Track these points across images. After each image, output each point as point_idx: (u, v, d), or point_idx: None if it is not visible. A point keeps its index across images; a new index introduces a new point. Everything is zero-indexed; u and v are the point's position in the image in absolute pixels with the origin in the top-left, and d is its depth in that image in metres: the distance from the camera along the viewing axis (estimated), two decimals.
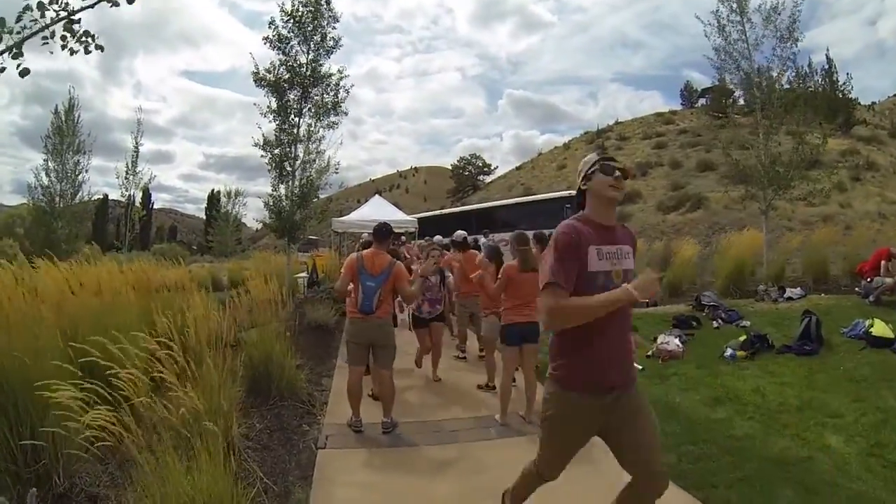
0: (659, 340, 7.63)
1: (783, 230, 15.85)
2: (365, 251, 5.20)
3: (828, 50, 11.25)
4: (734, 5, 12.71)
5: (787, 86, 12.83)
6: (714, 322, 8.88)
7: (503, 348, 5.52)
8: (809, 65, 12.27)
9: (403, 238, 19.34)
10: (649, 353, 7.52)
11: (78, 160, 20.12)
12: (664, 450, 4.67)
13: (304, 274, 15.07)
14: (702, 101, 67.62)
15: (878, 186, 32.81)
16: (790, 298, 10.05)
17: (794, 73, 12.85)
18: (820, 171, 12.96)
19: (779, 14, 12.20)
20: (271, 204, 13.26)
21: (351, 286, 5.05)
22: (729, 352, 7.12)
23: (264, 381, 5.39)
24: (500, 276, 5.55)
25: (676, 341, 7.54)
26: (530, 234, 5.67)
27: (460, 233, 8.67)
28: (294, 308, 10.41)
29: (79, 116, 20.11)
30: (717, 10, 12.86)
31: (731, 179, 13.45)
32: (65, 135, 19.63)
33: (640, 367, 6.95)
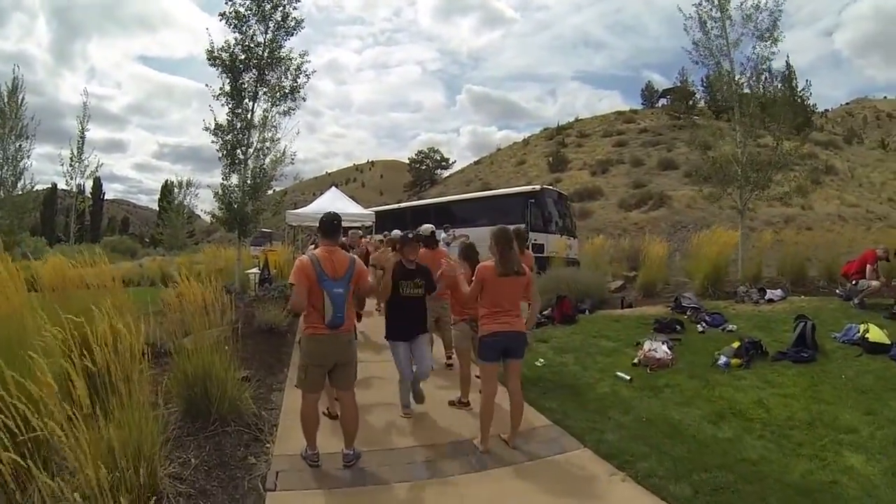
0: (646, 347, 7.01)
1: (747, 230, 15.58)
2: (318, 250, 4.32)
3: (788, 56, 11.40)
4: (716, 1, 12.47)
5: (746, 89, 12.69)
6: (698, 326, 8.34)
7: (481, 364, 4.75)
8: (769, 70, 11.97)
9: (360, 232, 18.47)
10: (635, 360, 6.92)
11: (20, 145, 18.50)
12: (674, 478, 4.12)
13: (255, 270, 14.11)
14: (662, 101, 68.36)
15: (836, 189, 33.61)
16: (771, 300, 9.61)
17: (768, 74, 12.55)
18: (787, 172, 12.69)
19: (760, 13, 12.01)
20: (221, 194, 12.26)
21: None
22: (723, 360, 6.56)
23: (202, 402, 4.49)
24: (473, 278, 4.77)
25: (664, 348, 6.94)
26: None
27: (427, 226, 7.75)
28: (242, 308, 9.52)
29: (23, 98, 18.47)
30: (700, 4, 12.61)
31: (704, 178, 13.03)
32: (7, 118, 18.04)
33: (628, 378, 6.37)
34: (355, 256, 4.41)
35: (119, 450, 2.93)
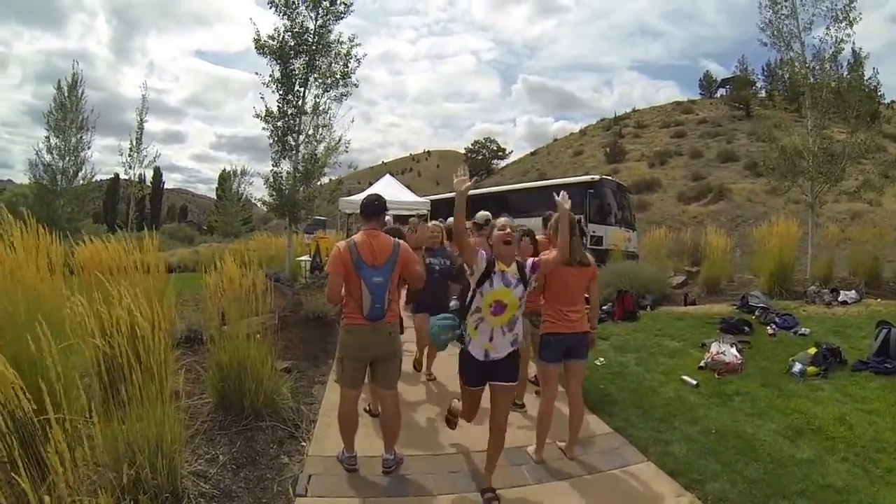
0: (713, 349, 6.47)
1: (804, 225, 14.70)
2: (357, 235, 3.92)
3: (853, 42, 10.46)
4: None
5: (814, 76, 11.77)
6: (768, 328, 7.70)
7: (540, 364, 4.34)
8: (841, 54, 11.07)
9: (415, 219, 18.15)
10: (702, 363, 6.38)
11: (81, 137, 19.13)
12: None
13: (307, 257, 14.04)
14: (721, 91, 65.99)
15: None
16: (844, 302, 8.88)
17: (839, 60, 11.63)
18: (858, 165, 11.77)
19: None
20: (272, 181, 12.15)
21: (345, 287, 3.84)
22: (798, 367, 5.97)
23: (235, 395, 4.25)
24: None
25: (734, 351, 6.40)
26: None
27: (483, 213, 7.32)
28: (291, 295, 9.36)
29: (82, 92, 19.14)
30: None
31: (771, 169, 12.22)
32: (68, 111, 18.70)
33: (695, 382, 5.86)
34: (400, 241, 4.00)
35: (136, 446, 2.69)
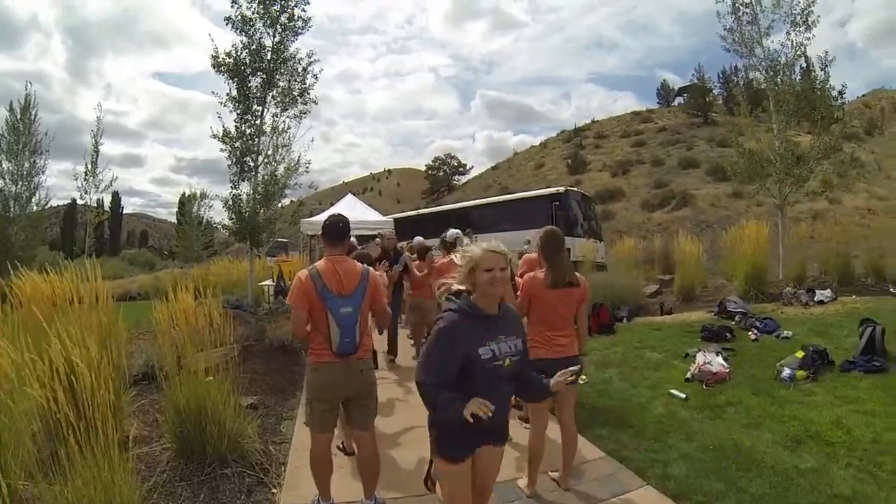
0: (699, 359, 6.28)
1: (774, 227, 14.84)
2: (320, 262, 3.51)
3: (805, 47, 10.68)
4: None
5: (768, 81, 12.01)
6: (750, 333, 7.57)
7: None
8: (785, 63, 11.26)
9: (377, 241, 17.76)
10: (688, 375, 6.18)
11: (34, 161, 18.41)
12: None
13: (269, 281, 13.58)
14: (679, 99, 67.30)
15: (864, 182, 32.55)
16: (821, 301, 8.82)
17: (803, 63, 11.81)
18: (826, 165, 11.91)
19: None
20: (231, 203, 11.70)
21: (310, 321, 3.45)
22: (786, 372, 5.82)
23: (196, 441, 3.82)
24: (520, 291, 4.02)
25: (720, 360, 6.22)
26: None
27: (454, 232, 7.05)
28: (254, 323, 8.94)
29: (35, 114, 18.50)
30: None
31: (739, 174, 12.28)
32: (20, 133, 17.96)
33: (684, 396, 5.64)
34: (369, 268, 3.62)
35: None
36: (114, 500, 2.46)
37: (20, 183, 18.06)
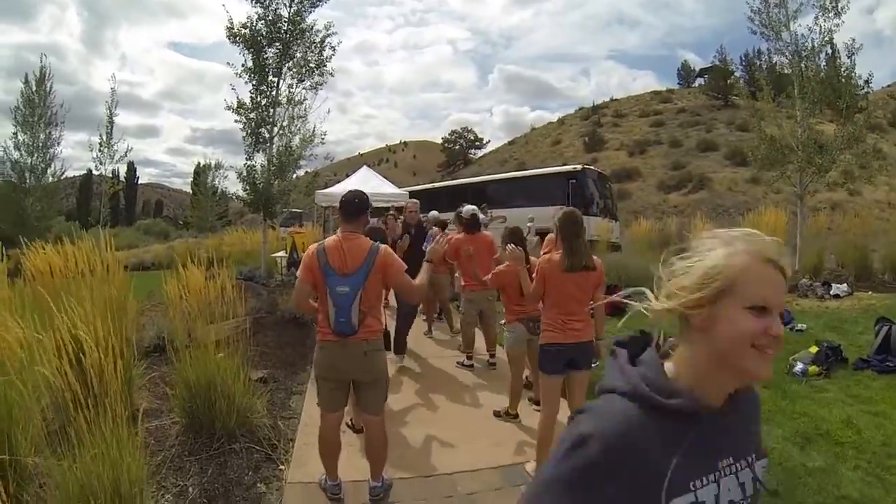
0: None
1: (791, 216, 14.69)
2: (329, 238, 3.48)
3: (831, 33, 10.29)
4: None
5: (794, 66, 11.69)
6: None
7: (541, 376, 3.96)
8: (812, 48, 10.93)
9: (392, 213, 17.69)
10: None
11: (50, 132, 18.61)
12: None
13: (282, 253, 13.61)
14: (699, 80, 66.20)
15: (885, 175, 32.00)
16: (837, 296, 8.73)
17: (829, 50, 11.50)
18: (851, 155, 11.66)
19: None
20: (245, 175, 11.69)
21: (316, 295, 3.40)
22: (799, 367, 5.76)
23: (205, 416, 3.85)
24: (535, 273, 3.93)
25: None
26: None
27: (469, 208, 6.92)
28: (266, 295, 8.97)
29: (51, 86, 18.70)
30: None
31: (760, 160, 12.05)
32: (36, 106, 18.11)
33: None
34: (380, 245, 3.45)
35: (89, 490, 2.33)
36: (122, 478, 2.48)
37: (35, 155, 18.31)
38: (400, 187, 25.48)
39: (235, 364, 4.11)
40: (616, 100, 69.80)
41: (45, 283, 3.92)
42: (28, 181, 18.32)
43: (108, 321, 2.78)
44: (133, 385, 4.19)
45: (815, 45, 11.37)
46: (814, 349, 5.97)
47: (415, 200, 10.15)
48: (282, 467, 3.89)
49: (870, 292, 8.97)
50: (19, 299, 3.40)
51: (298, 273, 3.38)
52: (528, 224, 8.69)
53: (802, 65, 11.37)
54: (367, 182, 16.44)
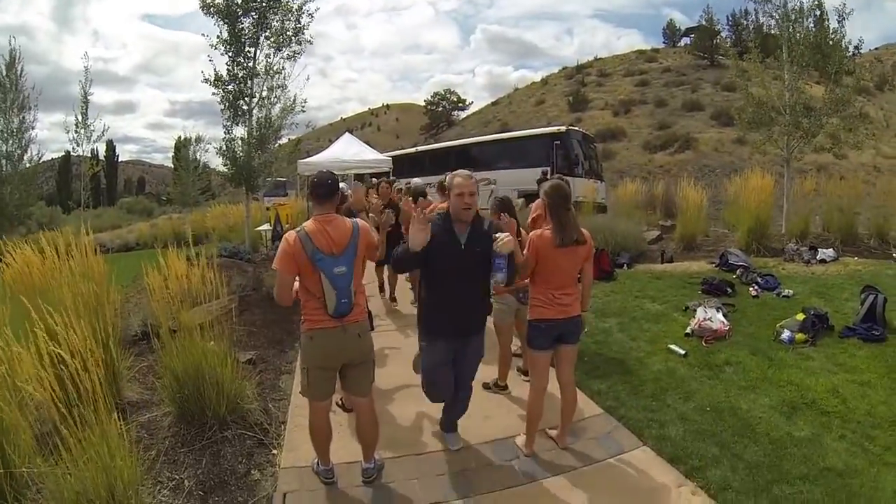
0: (699, 315, 6.25)
1: (777, 177, 14.74)
2: (308, 223, 3.35)
3: None
4: None
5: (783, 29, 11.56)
6: (751, 289, 7.54)
7: (529, 352, 3.96)
8: (801, 10, 10.79)
9: (374, 180, 17.54)
10: (688, 330, 6.17)
11: (24, 117, 17.96)
12: (752, 491, 3.43)
13: (266, 226, 13.48)
14: (685, 40, 65.50)
15: (871, 138, 32.05)
16: (823, 261, 8.76)
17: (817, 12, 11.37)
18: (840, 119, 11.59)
19: None
20: (225, 149, 11.47)
21: (298, 283, 3.34)
22: (786, 334, 5.80)
23: (196, 405, 3.83)
24: (526, 248, 3.85)
25: (720, 316, 6.20)
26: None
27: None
28: (251, 271, 8.90)
29: (22, 69, 17.92)
30: None
31: (748, 122, 11.98)
32: (7, 90, 17.46)
33: (683, 352, 5.65)
34: (357, 221, 3.46)
35: (84, 497, 2.30)
36: (115, 482, 2.45)
37: (11, 141, 17.72)
38: (384, 151, 25.23)
39: (222, 349, 4.07)
40: (600, 59, 68.71)
41: (25, 283, 3.83)
42: (4, 169, 17.90)
43: (90, 321, 2.72)
44: (121, 378, 4.16)
45: (805, 8, 11.23)
46: (801, 316, 6.01)
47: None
48: (274, 451, 3.89)
49: (856, 258, 9.03)
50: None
51: (278, 265, 3.23)
52: (492, 186, 8.62)
53: (791, 27, 11.23)
54: (349, 149, 16.24)
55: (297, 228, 3.35)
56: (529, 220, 5.26)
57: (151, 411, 4.12)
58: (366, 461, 3.57)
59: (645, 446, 4.05)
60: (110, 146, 70.31)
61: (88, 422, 2.48)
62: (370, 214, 5.76)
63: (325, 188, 3.38)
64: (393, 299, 8.25)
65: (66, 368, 2.54)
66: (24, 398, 2.47)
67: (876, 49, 54.64)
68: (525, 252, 3.86)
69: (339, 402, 4.45)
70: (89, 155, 18.99)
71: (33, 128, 18.05)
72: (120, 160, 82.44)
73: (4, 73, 17.44)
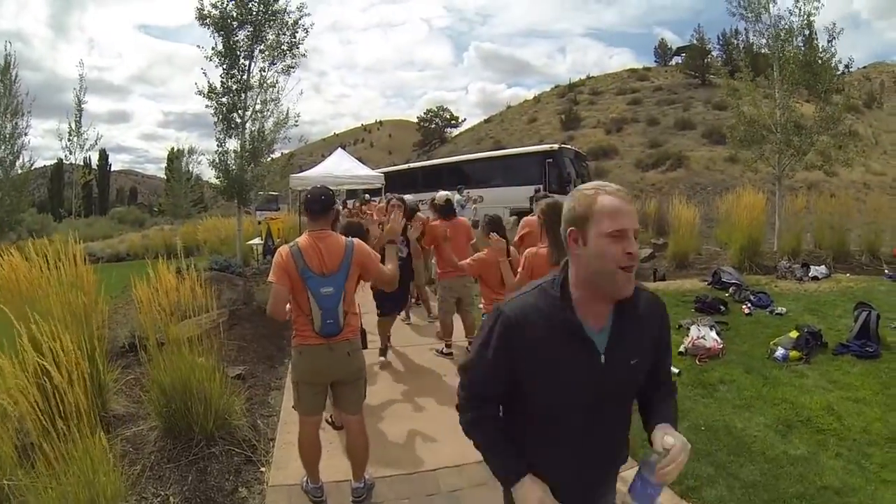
0: (693, 333, 6.23)
1: (769, 195, 14.88)
2: (301, 238, 3.34)
3: (810, 14, 10.31)
4: None
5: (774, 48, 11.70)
6: (744, 307, 7.52)
7: None
8: (790, 30, 10.96)
9: (367, 196, 17.55)
10: (682, 348, 6.12)
11: (16, 123, 17.91)
12: None
13: (258, 240, 13.41)
14: (676, 59, 66.28)
15: (861, 156, 32.33)
16: (816, 278, 8.78)
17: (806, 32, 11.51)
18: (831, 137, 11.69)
19: None
20: (217, 161, 11.41)
21: (291, 301, 3.28)
22: (780, 352, 5.77)
23: (182, 420, 3.74)
24: (521, 266, 3.83)
25: (714, 335, 6.17)
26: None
27: (443, 194, 6.99)
28: (242, 285, 8.82)
29: (16, 75, 17.94)
30: None
31: (739, 140, 12.07)
32: (1, 95, 17.44)
33: (677, 371, 5.60)
34: (353, 240, 3.40)
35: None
36: (98, 498, 2.38)
37: (3, 146, 17.68)
38: (376, 167, 25.25)
39: (211, 364, 3.99)
40: (593, 77, 69.43)
41: (11, 290, 3.76)
42: None
43: (76, 333, 2.66)
44: (107, 391, 4.08)
45: (795, 28, 11.35)
46: (794, 334, 5.99)
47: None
48: (263, 469, 3.81)
49: (847, 274, 9.07)
50: None
51: (273, 278, 3.21)
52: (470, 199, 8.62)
53: (781, 46, 11.35)
54: (341, 164, 16.24)
55: (291, 243, 3.32)
56: (517, 237, 5.25)
57: (137, 425, 4.03)
58: (356, 480, 3.49)
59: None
60: (103, 155, 70.11)
61: (72, 435, 2.41)
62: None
63: (318, 204, 3.36)
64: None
65: (49, 381, 2.48)
66: (6, 408, 2.39)
67: (864, 67, 55.41)
68: (520, 270, 3.84)
69: (329, 419, 4.38)
70: (82, 163, 18.91)
71: (26, 134, 18.08)
72: (112, 170, 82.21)
73: None
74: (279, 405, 4.90)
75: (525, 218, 5.56)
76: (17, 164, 18.07)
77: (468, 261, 4.93)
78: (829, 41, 11.12)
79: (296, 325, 3.30)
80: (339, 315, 3.21)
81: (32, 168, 19.43)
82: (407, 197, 8.86)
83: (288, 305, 3.26)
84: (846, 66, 11.38)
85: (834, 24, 11.13)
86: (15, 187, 18.00)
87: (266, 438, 4.24)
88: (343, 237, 3.42)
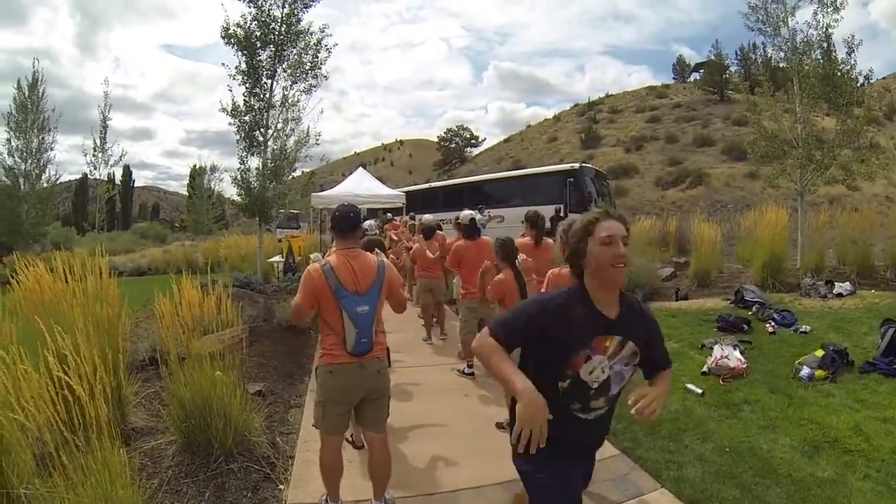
0: (716, 353, 6.14)
1: (791, 211, 14.66)
2: (332, 256, 3.32)
3: (829, 28, 10.21)
4: None
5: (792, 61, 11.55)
6: (767, 325, 7.41)
7: None
8: (809, 43, 10.85)
9: (389, 215, 17.66)
10: (705, 368, 6.03)
11: (43, 137, 18.52)
12: None
13: (279, 257, 13.50)
14: (694, 75, 66.07)
15: (883, 169, 31.78)
16: (840, 295, 8.60)
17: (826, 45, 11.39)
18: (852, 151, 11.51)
19: None
20: (239, 179, 11.55)
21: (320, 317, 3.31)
22: (805, 371, 5.66)
23: (202, 435, 3.75)
24: (545, 287, 3.88)
25: (737, 354, 6.07)
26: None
27: (467, 213, 7.00)
28: (263, 302, 8.86)
29: (43, 91, 18.69)
30: None
31: (760, 156, 11.93)
32: (29, 111, 18.02)
33: (700, 391, 5.51)
34: (384, 260, 3.45)
35: None
36: None
37: (30, 160, 18.22)
38: (397, 186, 25.38)
39: (231, 380, 4.00)
40: (611, 95, 69.37)
41: (35, 301, 3.82)
42: (22, 187, 18.22)
43: (99, 345, 2.69)
44: (127, 403, 4.11)
45: (813, 41, 11.26)
46: (820, 352, 5.87)
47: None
48: (281, 487, 3.78)
49: (872, 290, 8.86)
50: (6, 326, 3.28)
51: (300, 298, 3.21)
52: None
53: (800, 60, 11.26)
54: (362, 184, 16.37)
55: (322, 262, 3.30)
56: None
57: (156, 438, 4.05)
58: (376, 499, 3.45)
59: (663, 488, 3.91)
60: (127, 171, 72.01)
61: (91, 447, 2.43)
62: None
63: (347, 221, 3.37)
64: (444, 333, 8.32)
65: (71, 392, 2.50)
66: (27, 417, 2.42)
67: (884, 79, 54.65)
68: (544, 290, 3.85)
69: (349, 438, 4.35)
70: (106, 179, 19.38)
71: (52, 149, 18.75)
72: (135, 185, 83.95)
73: (27, 94, 17.98)
74: (298, 423, 4.88)
75: (519, 240, 5.64)
76: (43, 177, 18.64)
77: (488, 287, 4.94)
78: (848, 53, 10.98)
79: (324, 345, 3.30)
80: (372, 333, 3.22)
81: (58, 182, 19.97)
82: (427, 216, 8.92)
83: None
84: (866, 78, 11.24)
85: (853, 35, 11.00)
86: (40, 200, 18.49)
87: (285, 456, 4.21)
88: (372, 255, 3.43)
